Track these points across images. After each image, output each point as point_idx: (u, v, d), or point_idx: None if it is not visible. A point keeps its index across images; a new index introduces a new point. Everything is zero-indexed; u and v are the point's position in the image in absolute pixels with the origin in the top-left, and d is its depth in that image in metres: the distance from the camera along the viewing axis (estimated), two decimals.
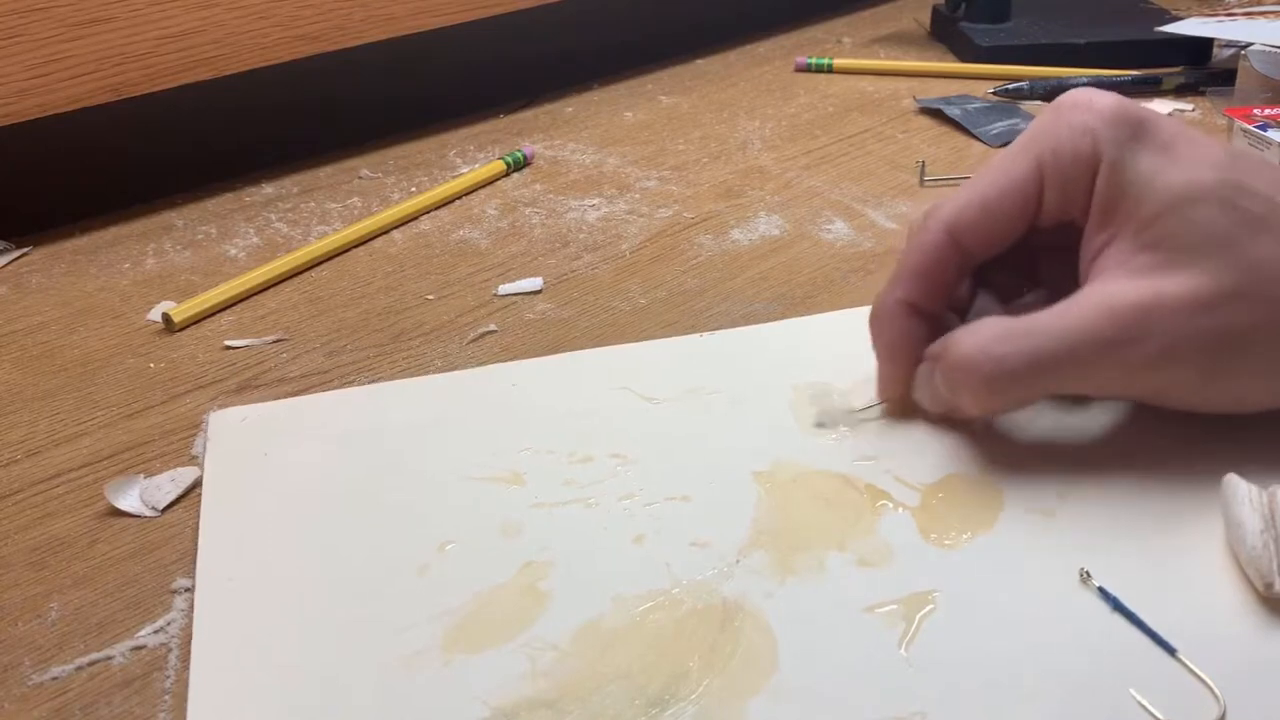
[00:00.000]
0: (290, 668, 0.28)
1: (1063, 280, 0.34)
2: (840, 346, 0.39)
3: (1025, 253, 0.36)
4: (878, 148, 0.61)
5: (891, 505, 0.32)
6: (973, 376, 0.32)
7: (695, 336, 0.42)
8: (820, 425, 0.36)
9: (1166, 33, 0.68)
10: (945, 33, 0.78)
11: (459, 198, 0.57)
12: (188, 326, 0.46)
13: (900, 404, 0.36)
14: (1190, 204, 0.31)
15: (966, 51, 0.74)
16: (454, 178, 0.58)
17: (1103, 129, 0.32)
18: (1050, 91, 0.65)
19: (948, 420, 0.35)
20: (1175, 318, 0.30)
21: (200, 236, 0.54)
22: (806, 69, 0.73)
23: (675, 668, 0.27)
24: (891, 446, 0.35)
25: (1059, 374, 0.32)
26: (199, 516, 0.34)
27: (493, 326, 0.45)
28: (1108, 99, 0.33)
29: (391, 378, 0.41)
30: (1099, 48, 0.70)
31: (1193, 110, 0.64)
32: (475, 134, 0.65)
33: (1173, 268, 0.31)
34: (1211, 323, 0.30)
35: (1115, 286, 0.31)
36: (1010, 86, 0.66)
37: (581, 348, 0.42)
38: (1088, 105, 0.33)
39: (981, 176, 0.34)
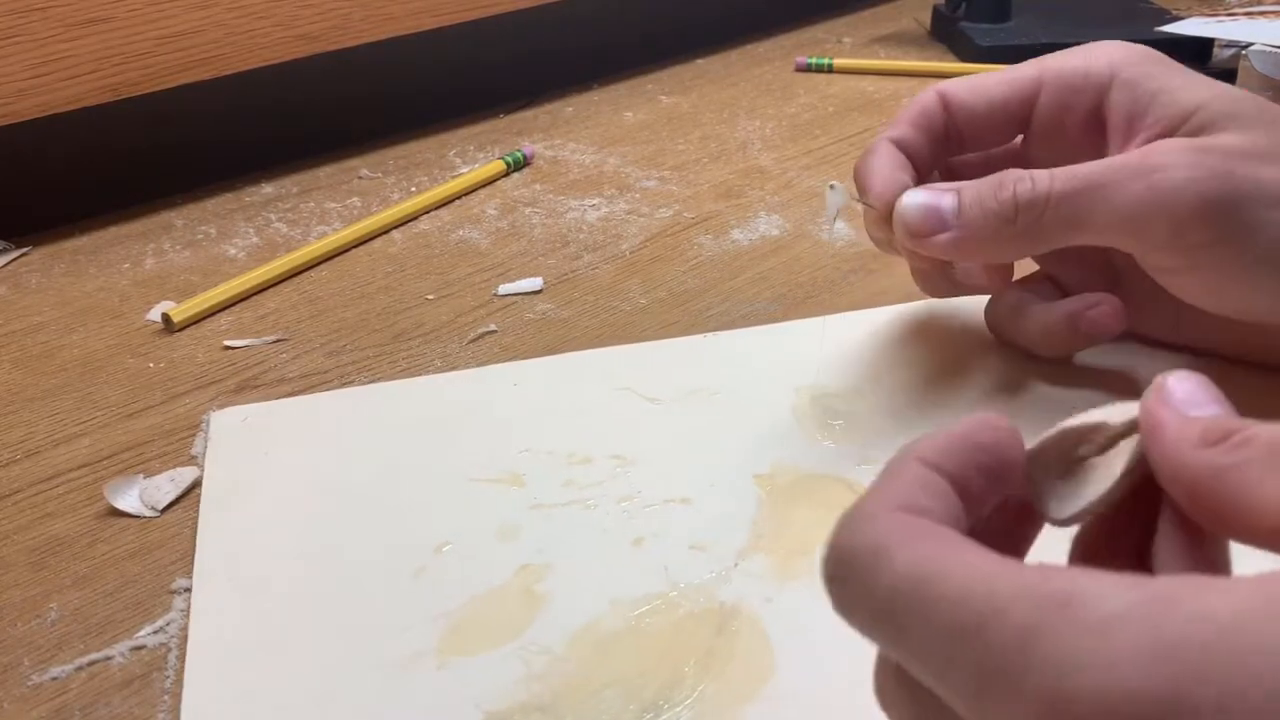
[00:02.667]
0: (285, 669, 0.28)
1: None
2: (842, 349, 0.39)
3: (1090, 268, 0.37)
4: None
5: None
6: (1011, 195, 0.32)
7: (696, 337, 0.42)
8: (823, 426, 0.36)
9: (1166, 33, 0.68)
10: (945, 32, 0.78)
11: (459, 198, 0.57)
12: (187, 326, 0.46)
13: (881, 223, 0.35)
14: (1228, 100, 0.31)
15: (967, 51, 0.74)
16: (454, 178, 0.58)
17: (1119, 52, 0.34)
18: None
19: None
20: (1228, 159, 0.30)
21: (200, 236, 0.54)
22: (807, 69, 0.73)
23: (671, 672, 0.27)
24: (893, 451, 0.35)
25: (1093, 206, 0.31)
26: (198, 517, 0.34)
27: (493, 326, 0.45)
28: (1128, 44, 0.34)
29: (391, 378, 0.41)
30: None
31: None
32: (475, 134, 0.65)
33: (1220, 131, 0.31)
34: (1258, 173, 0.30)
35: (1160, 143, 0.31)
36: None
37: (581, 348, 0.42)
38: (1106, 43, 0.34)
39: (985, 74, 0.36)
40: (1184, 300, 0.33)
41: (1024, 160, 0.37)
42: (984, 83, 0.36)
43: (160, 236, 0.54)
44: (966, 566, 0.16)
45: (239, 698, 0.28)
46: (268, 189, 0.59)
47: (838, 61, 0.73)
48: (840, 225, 0.52)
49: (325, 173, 0.61)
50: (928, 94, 0.36)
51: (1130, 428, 0.21)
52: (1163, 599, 0.15)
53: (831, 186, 0.36)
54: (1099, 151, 0.34)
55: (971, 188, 0.33)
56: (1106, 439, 0.21)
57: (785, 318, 0.44)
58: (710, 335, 0.42)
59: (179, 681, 0.29)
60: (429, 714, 0.27)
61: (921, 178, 0.36)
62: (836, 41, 0.80)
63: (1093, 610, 0.15)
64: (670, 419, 0.37)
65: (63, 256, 0.53)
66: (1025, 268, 0.39)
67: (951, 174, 0.38)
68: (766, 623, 0.29)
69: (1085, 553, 0.21)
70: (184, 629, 0.30)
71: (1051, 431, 0.21)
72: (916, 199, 0.33)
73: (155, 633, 0.30)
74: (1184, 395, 0.20)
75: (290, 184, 0.59)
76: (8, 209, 0.54)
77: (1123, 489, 0.20)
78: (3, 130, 0.50)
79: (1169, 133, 0.31)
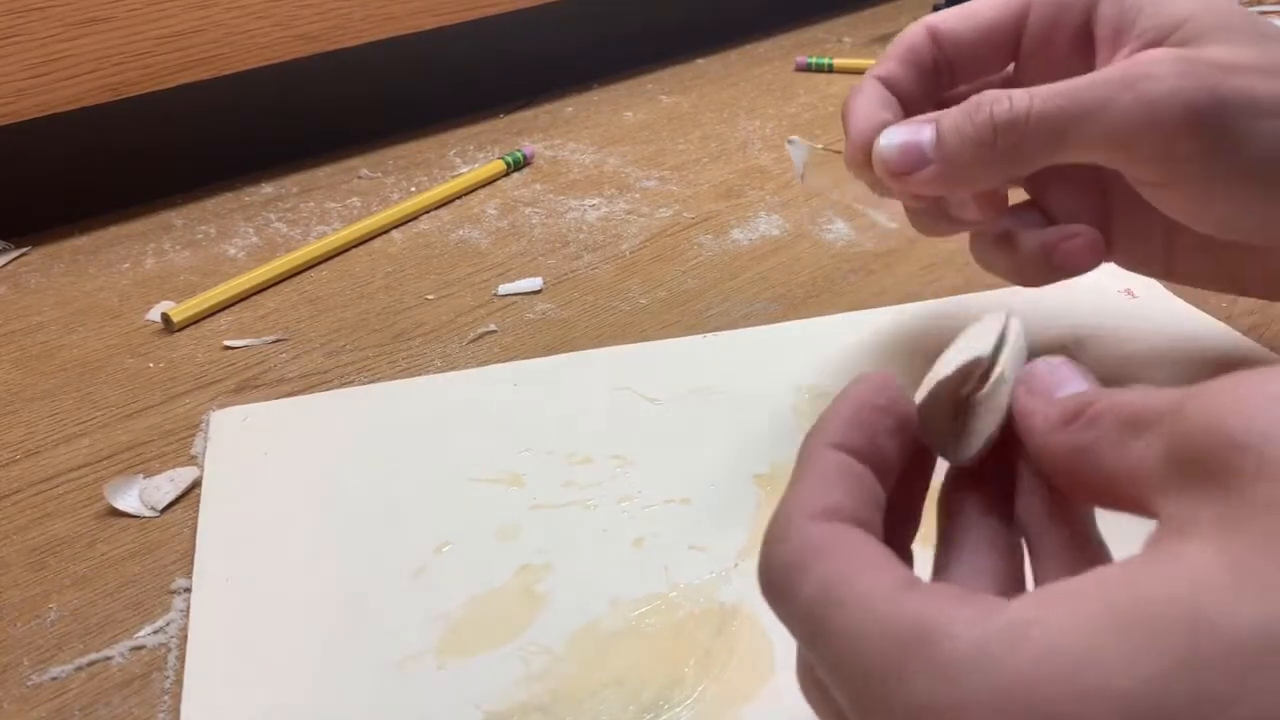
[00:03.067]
0: (285, 669, 0.28)
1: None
2: (842, 349, 0.39)
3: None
4: None
5: None
6: (990, 116, 0.30)
7: (696, 337, 0.42)
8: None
9: None
10: None
11: (459, 197, 0.57)
12: (187, 326, 0.46)
13: (865, 166, 0.33)
14: (1218, 12, 0.30)
15: None
16: (454, 177, 0.58)
17: None
18: None
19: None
20: (1216, 70, 0.28)
21: (199, 236, 0.54)
22: (807, 68, 0.73)
23: (671, 673, 0.27)
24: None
25: (1077, 120, 0.29)
26: (198, 517, 0.34)
27: (492, 326, 0.45)
28: None
29: (391, 378, 0.41)
30: None
31: None
32: (475, 134, 0.65)
33: (1206, 44, 0.29)
34: (1248, 84, 0.28)
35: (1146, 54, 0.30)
36: None
37: (581, 348, 0.42)
38: None
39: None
40: (1171, 217, 0.31)
41: (1015, 86, 0.35)
42: (972, 9, 0.34)
43: (160, 236, 0.54)
44: (858, 597, 0.17)
45: (238, 698, 0.28)
46: (267, 189, 0.59)
47: (838, 61, 0.73)
48: (841, 225, 0.52)
49: (325, 172, 0.61)
50: (914, 27, 0.35)
51: (998, 353, 0.23)
52: (1010, 633, 0.16)
53: (791, 142, 0.35)
54: (1088, 69, 0.32)
55: (949, 115, 0.31)
56: (984, 371, 0.22)
57: (785, 318, 0.44)
58: (710, 335, 0.42)
59: (178, 682, 0.29)
60: (428, 714, 0.27)
61: (911, 115, 0.34)
62: (837, 41, 0.80)
63: (945, 650, 0.16)
64: (670, 419, 0.37)
65: (62, 256, 0.53)
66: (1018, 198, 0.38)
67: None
68: (766, 623, 0.29)
69: (956, 486, 0.23)
70: (184, 629, 0.30)
71: (932, 379, 0.23)
72: (894, 137, 0.32)
73: (155, 633, 0.30)
74: (1050, 379, 0.21)
75: (290, 184, 0.59)
76: (7, 209, 0.54)
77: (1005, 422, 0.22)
78: (2, 130, 0.50)
79: (1156, 44, 0.30)
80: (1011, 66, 0.36)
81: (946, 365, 0.23)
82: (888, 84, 0.34)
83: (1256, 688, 0.14)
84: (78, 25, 0.50)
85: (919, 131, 0.31)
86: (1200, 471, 0.16)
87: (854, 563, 0.18)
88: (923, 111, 0.34)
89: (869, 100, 0.34)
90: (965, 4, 0.35)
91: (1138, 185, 0.31)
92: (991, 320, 0.24)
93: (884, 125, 0.32)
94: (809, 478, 0.20)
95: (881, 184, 0.34)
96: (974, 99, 0.31)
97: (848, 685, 0.17)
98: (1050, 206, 0.35)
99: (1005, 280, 0.35)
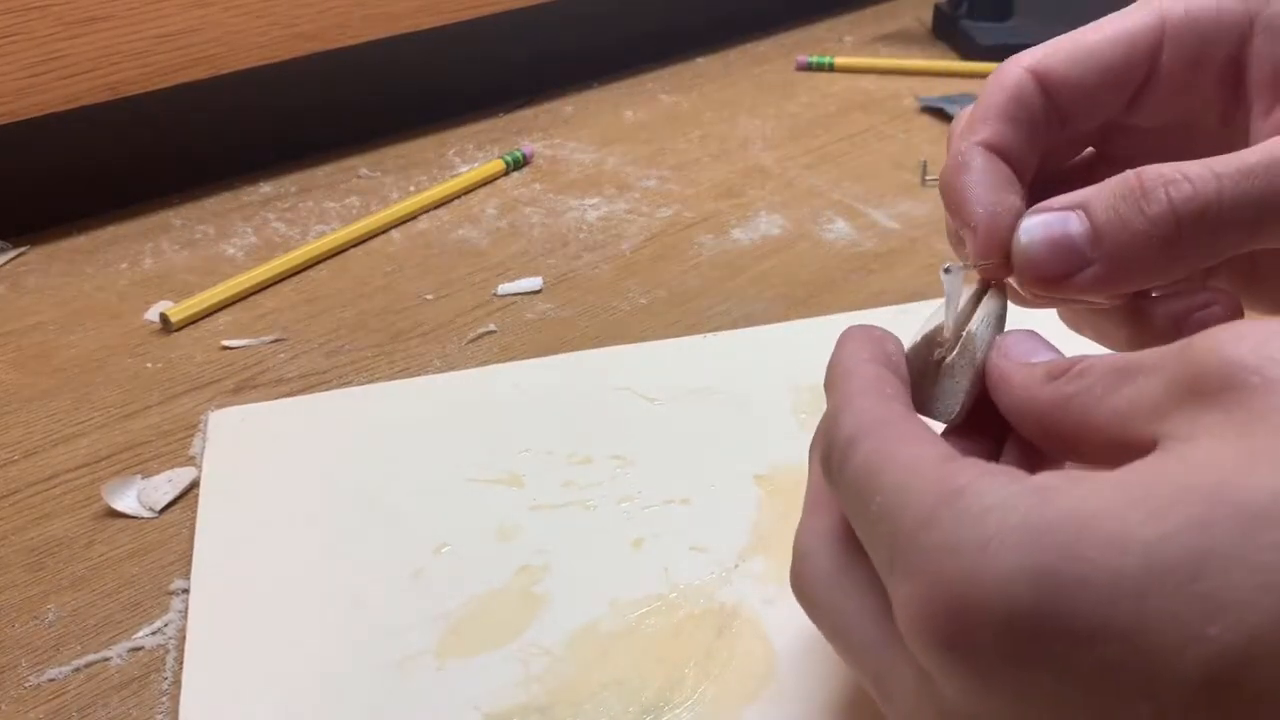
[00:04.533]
0: (283, 670, 0.28)
1: None
2: None
3: None
4: (879, 147, 0.60)
5: None
6: (1170, 207, 0.23)
7: (697, 337, 0.42)
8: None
9: None
10: (947, 31, 0.78)
11: (458, 197, 0.57)
12: (185, 326, 0.46)
13: (996, 268, 0.26)
14: None
15: (968, 50, 0.74)
16: (453, 177, 0.58)
17: None
18: None
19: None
20: None
21: (198, 236, 0.54)
22: (807, 68, 0.73)
23: (670, 674, 0.27)
24: None
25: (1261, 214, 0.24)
26: (196, 517, 0.34)
27: (492, 326, 0.44)
28: None
29: (390, 378, 0.41)
30: None
31: None
32: (475, 133, 0.65)
33: None
34: None
35: None
36: None
37: (581, 348, 0.42)
38: None
39: (1081, 28, 0.28)
40: None
41: (1130, 126, 0.29)
42: (1086, 46, 0.27)
43: (158, 236, 0.54)
44: (904, 459, 0.19)
45: (237, 699, 0.28)
46: (266, 188, 0.59)
47: (839, 60, 0.73)
48: (841, 224, 0.52)
49: (324, 172, 0.60)
50: (1014, 73, 0.27)
51: (966, 319, 0.24)
52: (1039, 489, 0.17)
53: (947, 270, 0.26)
54: (1232, 113, 0.27)
55: (1102, 200, 0.24)
56: (953, 337, 0.24)
57: (785, 318, 0.43)
58: (710, 335, 0.42)
59: (177, 683, 0.28)
60: (427, 715, 0.27)
61: (1022, 185, 0.27)
62: (837, 40, 0.80)
63: (976, 501, 0.17)
64: (670, 419, 0.37)
65: (61, 256, 0.53)
66: None
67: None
68: (766, 624, 0.28)
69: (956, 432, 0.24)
70: (182, 630, 0.30)
71: (907, 348, 0.24)
72: (1037, 233, 0.25)
73: (153, 634, 0.30)
74: (1024, 348, 0.23)
75: (289, 183, 0.59)
76: (5, 208, 0.54)
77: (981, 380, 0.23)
78: (0, 129, 0.50)
79: None
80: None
81: (918, 332, 0.25)
82: (997, 150, 0.26)
83: (1269, 544, 0.15)
84: (76, 25, 0.50)
85: (1065, 222, 0.25)
86: (1206, 392, 0.17)
87: (905, 434, 0.20)
88: (1026, 168, 0.27)
89: (984, 180, 0.26)
90: (1074, 40, 0.28)
91: None
92: (959, 287, 0.25)
93: (1015, 214, 0.25)
94: (855, 378, 0.22)
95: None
96: (1133, 180, 0.24)
97: (887, 538, 0.19)
98: None
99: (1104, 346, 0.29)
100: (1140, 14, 0.27)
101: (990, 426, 0.24)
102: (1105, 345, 0.29)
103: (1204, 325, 0.25)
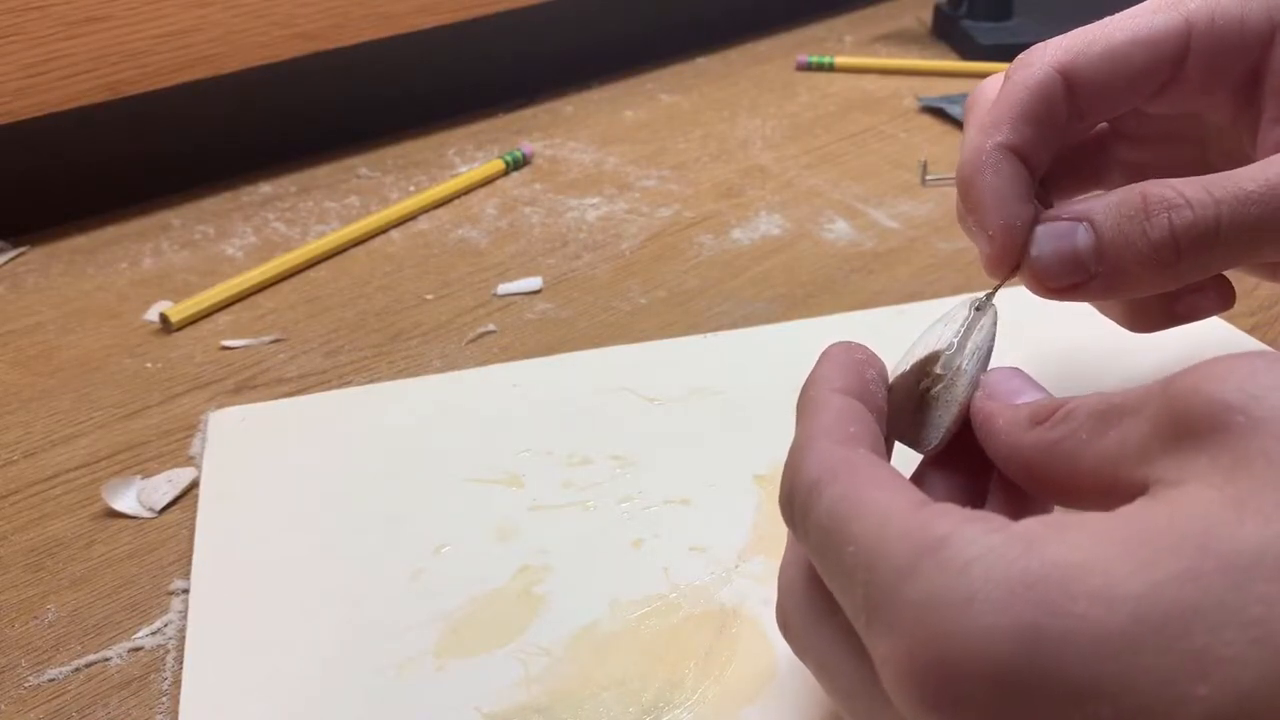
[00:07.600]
0: (283, 671, 0.28)
1: None
2: None
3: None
4: (879, 146, 0.60)
5: None
6: (1170, 222, 0.24)
7: (697, 337, 0.42)
8: None
9: None
10: (947, 31, 0.78)
11: (458, 197, 0.57)
12: (185, 326, 0.46)
13: (1008, 268, 0.27)
14: None
15: (969, 50, 0.74)
16: (453, 177, 0.58)
17: None
18: None
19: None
20: None
21: (198, 236, 0.54)
22: (807, 67, 0.73)
23: (671, 674, 0.27)
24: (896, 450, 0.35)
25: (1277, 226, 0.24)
26: (196, 517, 0.34)
27: (492, 326, 0.44)
28: None
29: (390, 378, 0.41)
30: None
31: None
32: (474, 133, 0.65)
33: None
34: None
35: None
36: None
37: (581, 348, 0.42)
38: None
39: (1103, 22, 0.28)
40: None
41: (1137, 112, 0.29)
42: (1114, 49, 0.27)
43: (158, 236, 0.54)
44: (874, 506, 0.18)
45: (237, 700, 0.28)
46: (266, 188, 0.59)
47: (839, 60, 0.73)
48: (841, 224, 0.52)
49: (324, 172, 0.60)
50: (1042, 69, 0.27)
51: (958, 353, 0.24)
52: (1023, 539, 0.16)
53: (978, 308, 0.26)
54: (1242, 113, 0.28)
55: (1107, 216, 0.25)
56: (943, 368, 0.24)
57: (785, 318, 0.43)
58: (710, 335, 0.42)
59: (177, 683, 0.28)
60: (427, 715, 0.27)
61: (1034, 181, 0.28)
62: (837, 40, 0.80)
63: (959, 553, 0.16)
64: (670, 419, 0.37)
65: (60, 256, 0.53)
66: None
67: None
68: (767, 624, 0.28)
69: (922, 480, 0.24)
70: (182, 630, 0.30)
71: (894, 372, 0.24)
72: (1046, 247, 0.26)
73: (153, 634, 0.30)
74: (1008, 387, 0.23)
75: (288, 183, 0.59)
76: (5, 208, 0.54)
77: (965, 415, 0.23)
78: (0, 129, 0.50)
79: None
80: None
81: (908, 358, 0.25)
82: (1017, 153, 0.27)
83: (1260, 597, 0.15)
84: (75, 24, 0.50)
85: (1071, 235, 0.26)
86: (1191, 434, 0.17)
87: (873, 479, 0.19)
88: (1041, 164, 0.27)
89: (1004, 189, 0.26)
90: (1099, 37, 0.27)
91: None
92: (958, 311, 0.25)
93: (1029, 223, 0.26)
94: (821, 415, 0.21)
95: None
96: (1138, 199, 0.25)
97: (862, 590, 0.18)
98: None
99: (1111, 320, 0.30)
100: (1165, 17, 0.27)
101: (968, 455, 0.23)
102: (1102, 313, 0.31)
103: (1195, 306, 0.29)
